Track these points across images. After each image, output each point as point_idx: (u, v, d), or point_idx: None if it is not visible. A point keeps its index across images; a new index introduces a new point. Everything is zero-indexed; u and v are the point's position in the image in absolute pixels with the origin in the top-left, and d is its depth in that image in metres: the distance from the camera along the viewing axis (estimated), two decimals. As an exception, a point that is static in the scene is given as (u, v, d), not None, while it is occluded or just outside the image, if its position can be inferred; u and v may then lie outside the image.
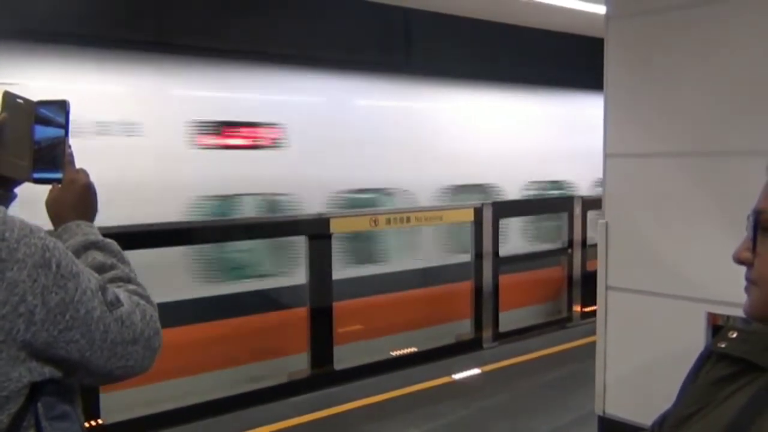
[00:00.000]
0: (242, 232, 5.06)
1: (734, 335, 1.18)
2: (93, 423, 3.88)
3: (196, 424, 4.32)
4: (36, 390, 1.10)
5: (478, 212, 5.94)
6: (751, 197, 3.08)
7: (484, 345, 5.97)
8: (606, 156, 3.49)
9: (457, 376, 5.25)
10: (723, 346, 1.17)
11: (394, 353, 5.55)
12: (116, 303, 1.17)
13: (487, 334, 6.01)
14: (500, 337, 6.08)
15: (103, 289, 1.16)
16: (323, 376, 4.97)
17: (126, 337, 1.17)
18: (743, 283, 1.42)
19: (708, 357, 1.20)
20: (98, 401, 3.91)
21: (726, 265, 2.99)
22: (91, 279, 1.15)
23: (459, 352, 5.76)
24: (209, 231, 4.85)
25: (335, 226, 5.08)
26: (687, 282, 3.16)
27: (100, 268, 1.26)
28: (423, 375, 5.19)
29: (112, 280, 1.25)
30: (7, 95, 1.30)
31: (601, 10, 3.52)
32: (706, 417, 1.09)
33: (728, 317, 2.95)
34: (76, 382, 1.19)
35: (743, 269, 1.31)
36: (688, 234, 3.16)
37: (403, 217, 5.59)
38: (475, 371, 5.38)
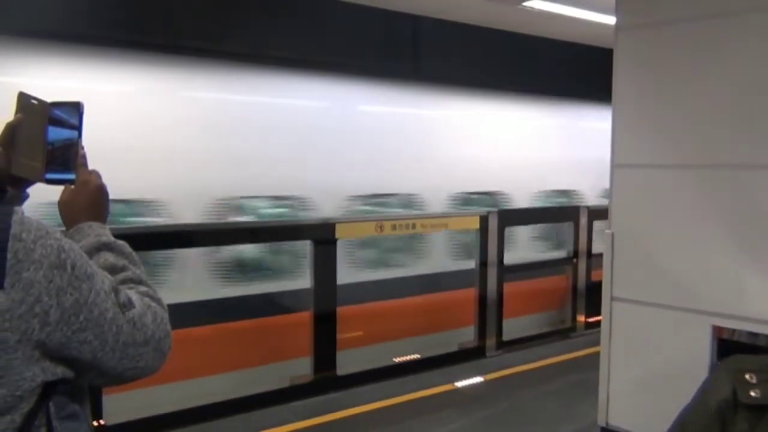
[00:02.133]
0: (247, 236, 5.08)
1: (755, 379, 1.06)
2: (96, 423, 3.89)
3: (197, 426, 4.32)
4: (48, 389, 1.10)
5: (484, 220, 5.94)
6: (758, 211, 3.08)
7: (488, 353, 5.96)
8: (613, 166, 3.49)
9: (460, 384, 5.24)
10: (756, 395, 1.02)
11: (398, 360, 5.54)
12: (128, 305, 1.18)
13: (490, 342, 5.99)
14: (503, 345, 6.07)
15: (116, 291, 1.17)
16: (326, 381, 4.97)
17: (137, 339, 1.18)
18: (750, 296, 1.41)
19: (734, 411, 1.03)
20: (101, 402, 3.91)
21: (733, 278, 3.00)
22: (104, 280, 1.16)
23: (462, 360, 5.75)
24: (213, 234, 4.86)
25: (340, 232, 5.09)
26: (693, 294, 3.15)
27: (112, 270, 1.26)
28: (425, 382, 5.18)
29: (124, 282, 1.26)
30: (22, 96, 1.30)
31: (611, 20, 3.53)
32: None
33: (734, 330, 2.94)
34: (87, 383, 1.20)
35: (750, 282, 1.31)
36: (695, 246, 3.16)
37: (409, 223, 5.59)
38: (478, 379, 5.37)
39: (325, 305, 5.00)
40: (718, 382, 1.09)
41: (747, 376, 1.05)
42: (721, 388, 1.07)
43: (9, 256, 1.03)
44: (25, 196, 1.34)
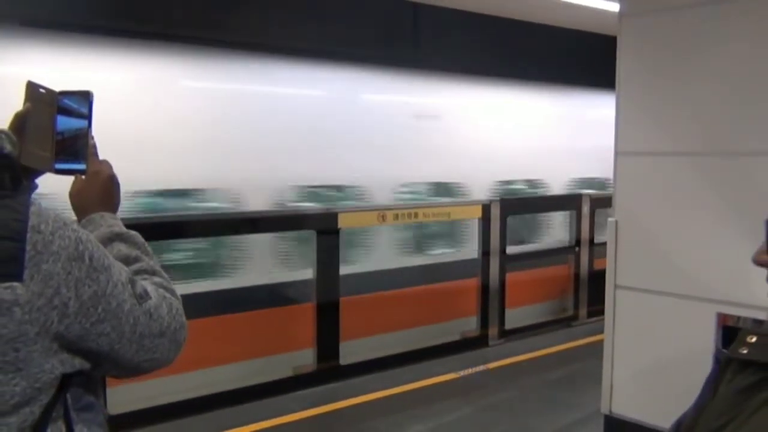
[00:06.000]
0: (250, 226, 5.07)
1: (754, 339, 1.15)
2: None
3: (201, 416, 4.33)
4: (65, 381, 1.10)
5: (486, 209, 5.93)
6: (762, 198, 3.07)
7: (490, 342, 5.97)
8: (617, 154, 3.48)
9: (463, 373, 5.25)
10: (745, 352, 1.14)
11: (401, 349, 5.56)
12: (145, 296, 1.17)
13: (493, 331, 6.01)
14: (506, 334, 6.08)
15: (132, 282, 1.16)
16: (329, 370, 4.98)
17: (154, 330, 1.18)
18: (755, 283, 1.42)
19: (727, 364, 1.17)
20: (105, 393, 3.91)
21: (737, 266, 3.01)
22: (121, 272, 1.15)
23: (465, 349, 5.76)
24: (216, 224, 4.86)
25: (343, 221, 5.08)
26: (697, 282, 3.15)
27: (125, 260, 1.26)
28: (429, 371, 5.19)
29: (137, 273, 1.25)
30: (31, 85, 1.28)
31: (614, 7, 3.51)
32: (740, 429, 1.07)
33: (739, 318, 2.95)
34: (102, 374, 1.20)
35: (755, 270, 1.32)
36: (699, 234, 3.16)
37: (411, 212, 5.59)
38: (481, 368, 5.38)
39: (328, 295, 5.01)
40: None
41: (749, 337, 1.14)
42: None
43: (28, 247, 1.02)
44: (34, 187, 1.32)
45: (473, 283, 6.08)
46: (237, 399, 4.54)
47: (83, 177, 1.36)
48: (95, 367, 1.15)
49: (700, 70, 3.14)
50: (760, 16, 2.91)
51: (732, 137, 3.05)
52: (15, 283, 1.01)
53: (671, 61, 3.26)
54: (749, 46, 2.96)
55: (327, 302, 5.00)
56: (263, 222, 5.11)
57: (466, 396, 4.84)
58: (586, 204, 6.74)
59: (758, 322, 2.79)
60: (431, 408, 4.62)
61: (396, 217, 5.45)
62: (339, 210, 5.19)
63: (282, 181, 5.57)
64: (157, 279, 1.27)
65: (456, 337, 5.95)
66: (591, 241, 6.80)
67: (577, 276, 6.84)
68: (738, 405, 1.08)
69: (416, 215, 5.60)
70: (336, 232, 5.04)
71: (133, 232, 1.34)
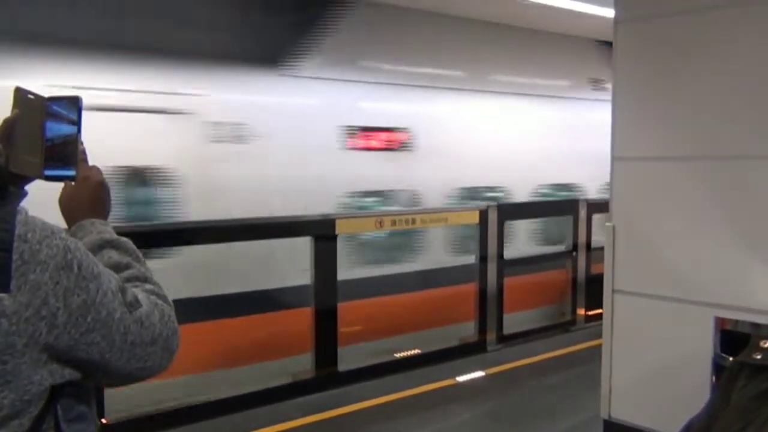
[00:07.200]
0: (247, 233, 5.06)
1: (767, 345, 1.14)
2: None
3: (200, 424, 4.32)
4: (55, 392, 1.08)
5: (483, 214, 5.93)
6: (760, 201, 3.07)
7: (488, 348, 5.96)
8: (614, 159, 3.48)
9: (461, 379, 5.25)
10: (759, 357, 1.13)
11: (398, 355, 5.54)
12: (135, 304, 1.16)
13: (491, 336, 5.99)
14: (504, 339, 6.07)
15: (122, 290, 1.15)
16: (327, 377, 4.96)
17: (145, 338, 1.16)
18: (753, 286, 1.44)
19: (740, 370, 1.15)
20: (102, 401, 3.90)
21: (735, 269, 2.99)
22: (111, 280, 1.14)
23: (463, 355, 5.75)
24: (213, 232, 4.85)
25: (341, 227, 5.07)
26: (695, 286, 3.15)
27: (116, 267, 1.24)
28: (427, 377, 5.18)
29: (129, 280, 1.24)
30: (19, 91, 1.27)
31: (610, 13, 3.52)
32: None
33: (737, 321, 2.94)
34: (93, 384, 1.18)
35: (752, 273, 1.32)
36: (697, 237, 3.15)
37: (408, 218, 5.58)
38: (479, 374, 5.37)
39: (326, 301, 4.99)
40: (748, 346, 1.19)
41: (762, 342, 1.13)
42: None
43: (15, 257, 1.01)
44: (24, 194, 1.31)
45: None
46: (234, 407, 4.52)
47: (73, 183, 1.34)
48: (86, 377, 1.13)
49: (696, 75, 3.14)
50: (758, 21, 2.92)
51: (729, 141, 3.05)
52: (2, 294, 0.99)
53: (667, 66, 3.26)
54: (746, 51, 2.96)
55: (325, 309, 4.99)
56: (261, 228, 5.09)
57: (464, 402, 4.83)
58: (584, 209, 6.74)
59: (755, 326, 2.79)
60: (430, 414, 4.61)
61: (393, 223, 5.45)
62: (337, 216, 5.19)
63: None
64: (148, 286, 1.25)
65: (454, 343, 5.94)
66: (588, 245, 6.80)
67: (574, 280, 6.84)
68: (753, 411, 1.07)
69: (414, 221, 5.60)
70: (334, 238, 5.02)
71: (124, 239, 1.33)
